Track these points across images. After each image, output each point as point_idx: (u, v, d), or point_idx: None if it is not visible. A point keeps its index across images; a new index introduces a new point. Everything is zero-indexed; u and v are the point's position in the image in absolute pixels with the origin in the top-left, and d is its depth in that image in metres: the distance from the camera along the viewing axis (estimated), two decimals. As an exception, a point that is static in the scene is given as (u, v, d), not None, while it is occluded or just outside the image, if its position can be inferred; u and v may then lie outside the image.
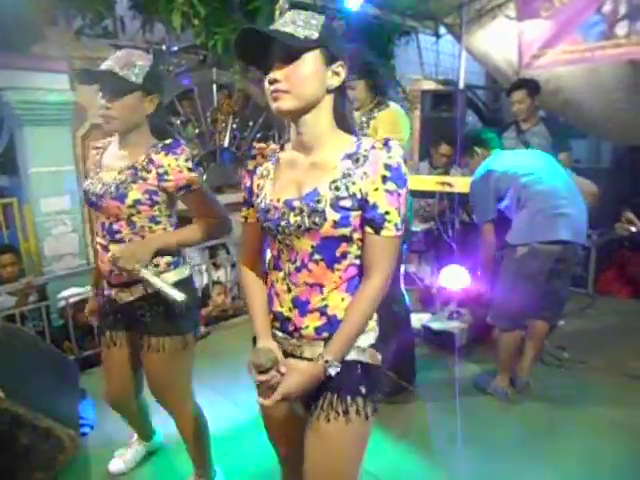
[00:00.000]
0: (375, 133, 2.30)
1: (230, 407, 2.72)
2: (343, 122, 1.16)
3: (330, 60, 1.10)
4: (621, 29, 3.90)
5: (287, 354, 1.20)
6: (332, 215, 1.08)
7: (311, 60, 1.07)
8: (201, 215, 1.68)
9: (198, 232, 1.67)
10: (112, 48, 3.77)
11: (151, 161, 1.58)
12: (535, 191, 2.45)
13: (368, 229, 1.12)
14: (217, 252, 4.22)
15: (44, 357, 2.35)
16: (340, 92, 1.14)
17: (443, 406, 2.61)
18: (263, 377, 1.14)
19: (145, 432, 2.23)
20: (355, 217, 1.10)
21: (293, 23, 1.08)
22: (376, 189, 1.09)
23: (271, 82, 1.09)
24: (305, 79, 1.07)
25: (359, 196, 1.09)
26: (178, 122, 4.34)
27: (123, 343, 1.81)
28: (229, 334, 3.77)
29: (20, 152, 3.58)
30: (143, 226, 1.64)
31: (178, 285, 1.63)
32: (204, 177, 4.51)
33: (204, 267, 4.05)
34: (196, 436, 1.90)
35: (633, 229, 4.00)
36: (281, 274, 1.20)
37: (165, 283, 1.57)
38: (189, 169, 1.59)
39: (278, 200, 1.15)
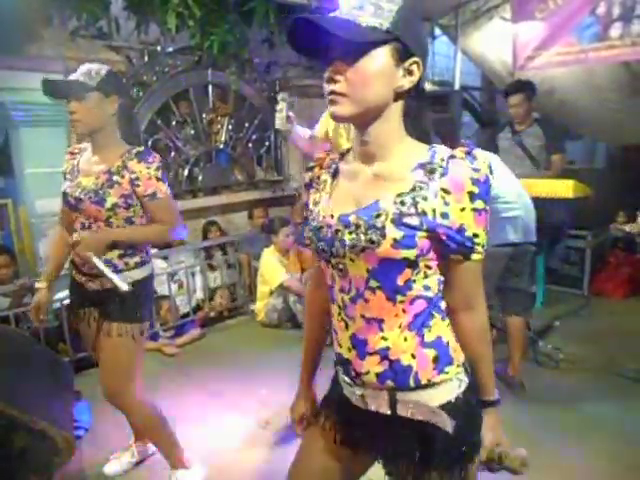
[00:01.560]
0: None
1: (224, 408, 2.71)
2: (416, 127, 0.97)
3: (403, 56, 0.89)
4: (615, 31, 3.92)
5: (353, 406, 1.06)
6: (393, 232, 0.89)
7: (378, 57, 0.88)
8: (157, 220, 1.81)
9: (150, 233, 1.83)
10: (107, 49, 3.78)
11: (125, 167, 1.74)
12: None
13: (456, 256, 0.95)
14: (213, 253, 4.21)
15: (39, 359, 2.34)
16: (415, 96, 0.95)
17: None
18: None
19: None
20: (421, 238, 0.90)
21: (360, 8, 0.88)
22: (462, 209, 0.90)
23: (328, 81, 0.91)
24: (368, 81, 0.88)
25: (430, 216, 0.90)
26: (174, 123, 4.34)
27: (90, 317, 1.92)
28: (225, 335, 3.77)
29: (15, 153, 3.57)
30: (119, 226, 1.78)
31: (143, 281, 1.86)
32: (199, 177, 4.51)
33: (198, 268, 4.04)
34: (147, 429, 2.03)
35: (627, 229, 4.02)
36: (336, 307, 1.03)
37: (112, 272, 1.72)
38: (158, 178, 1.75)
39: (332, 216, 0.98)
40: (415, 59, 0.91)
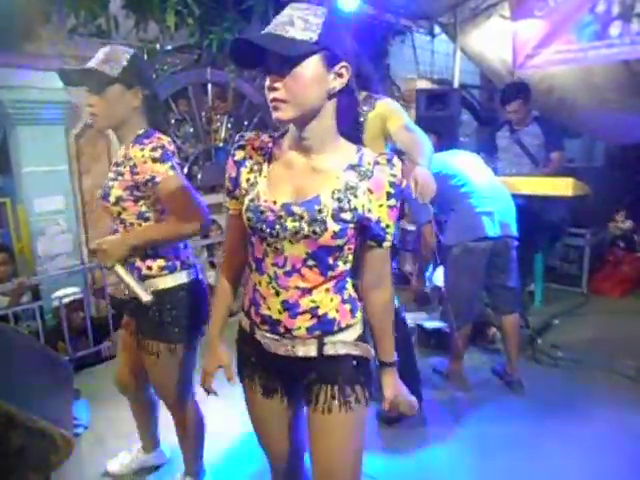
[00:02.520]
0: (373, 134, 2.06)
1: (223, 406, 2.71)
2: (347, 127, 1.12)
3: (332, 62, 1.02)
4: (614, 29, 3.92)
5: (278, 356, 1.22)
6: (333, 226, 1.08)
7: (310, 66, 1.00)
8: (172, 211, 1.56)
9: (164, 231, 1.58)
10: (106, 46, 3.76)
11: (127, 155, 1.56)
12: (460, 193, 2.59)
13: (371, 243, 1.17)
14: (215, 251, 4.21)
15: (38, 357, 2.33)
16: (346, 95, 1.08)
17: (437, 404, 2.62)
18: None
19: (148, 435, 2.17)
20: (351, 229, 1.11)
21: (290, 24, 0.99)
22: (380, 205, 1.12)
23: (269, 90, 1.04)
24: (304, 87, 1.01)
25: (360, 211, 1.10)
26: (173, 121, 4.33)
27: (130, 327, 1.82)
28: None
29: (13, 151, 3.55)
30: (132, 223, 1.61)
31: (171, 291, 1.63)
32: (199, 176, 4.51)
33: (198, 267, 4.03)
34: (188, 436, 1.90)
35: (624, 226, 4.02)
36: (265, 277, 1.17)
37: (135, 282, 1.55)
38: (154, 159, 1.49)
39: (275, 202, 1.11)
40: (343, 64, 1.04)
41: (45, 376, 2.27)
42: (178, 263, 1.67)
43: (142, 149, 1.51)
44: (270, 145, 1.19)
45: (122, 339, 1.93)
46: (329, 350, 1.20)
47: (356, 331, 1.24)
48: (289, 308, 1.16)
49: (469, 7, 4.72)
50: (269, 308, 1.18)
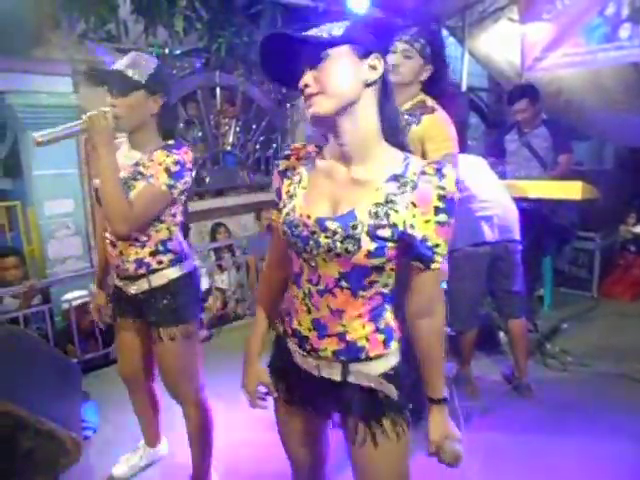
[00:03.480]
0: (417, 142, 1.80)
1: (229, 410, 2.71)
2: (391, 130, 1.05)
3: (363, 53, 0.99)
4: (624, 32, 3.90)
5: (303, 372, 1.17)
6: (368, 244, 0.98)
7: (340, 56, 0.98)
8: (135, 202, 1.61)
9: (116, 198, 1.57)
10: (115, 52, 3.80)
11: (151, 158, 1.65)
12: (461, 198, 2.51)
13: (417, 264, 1.04)
14: (222, 254, 4.22)
15: (47, 360, 2.35)
16: (382, 91, 1.03)
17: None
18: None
19: (151, 431, 2.21)
20: (391, 248, 0.99)
21: (319, 29, 1.01)
22: (427, 221, 0.99)
23: (302, 90, 1.00)
24: (335, 74, 0.98)
25: (401, 228, 0.98)
26: (182, 125, 4.35)
27: (132, 329, 1.92)
28: (232, 337, 3.76)
29: (24, 155, 3.59)
30: (148, 224, 1.69)
31: (180, 279, 1.77)
32: (207, 179, 4.53)
33: (204, 270, 4.04)
34: (200, 429, 1.94)
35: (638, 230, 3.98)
36: (301, 292, 1.11)
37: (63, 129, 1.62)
38: (166, 168, 1.61)
39: (309, 216, 1.04)
40: (376, 55, 1.00)
41: (54, 379, 2.29)
42: (183, 255, 1.80)
43: (168, 155, 1.62)
44: (314, 155, 1.12)
45: (120, 340, 1.98)
46: (352, 379, 1.12)
47: (388, 362, 1.13)
48: (318, 328, 1.10)
49: (477, 10, 4.71)
50: (300, 323, 1.14)
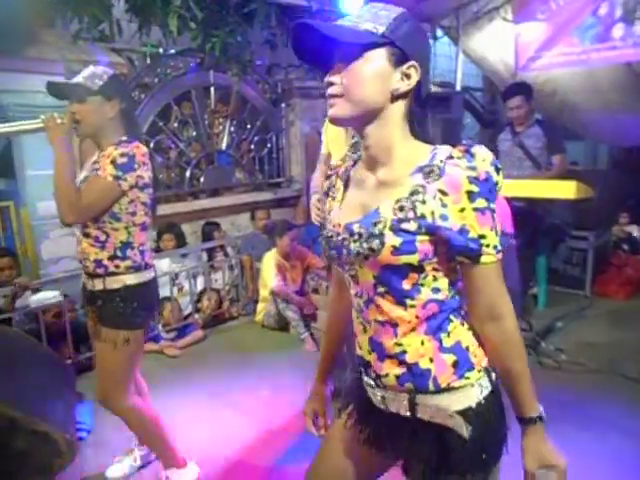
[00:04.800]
0: None
1: (225, 410, 2.71)
2: (419, 129, 0.97)
3: (400, 60, 0.90)
4: (617, 32, 3.92)
5: (375, 406, 1.06)
6: (392, 240, 0.89)
7: (373, 59, 0.89)
8: (84, 193, 1.69)
9: (65, 190, 1.67)
10: (109, 51, 3.78)
11: (103, 154, 1.73)
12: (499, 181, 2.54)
13: (463, 259, 0.92)
14: (215, 254, 4.21)
15: (41, 361, 2.34)
16: (414, 99, 0.95)
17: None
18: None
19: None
20: (422, 242, 0.89)
21: (358, 17, 0.91)
22: (462, 209, 0.87)
23: (327, 86, 0.93)
24: (362, 80, 0.89)
25: (429, 219, 0.88)
26: (176, 124, 4.34)
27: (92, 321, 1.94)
28: (227, 337, 3.77)
29: (17, 155, 3.57)
30: (105, 221, 1.74)
31: (137, 287, 1.80)
32: (201, 179, 4.52)
33: (200, 270, 4.04)
34: (141, 432, 2.02)
35: (635, 233, 4.00)
36: (355, 311, 1.05)
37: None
38: (113, 161, 1.67)
39: (340, 225, 0.99)
40: (412, 63, 0.91)
41: (48, 380, 2.28)
42: (143, 264, 1.84)
43: (115, 149, 1.71)
44: (349, 167, 1.07)
45: (92, 334, 2.00)
46: (422, 413, 0.98)
47: (467, 398, 0.96)
48: (375, 348, 1.00)
49: (471, 10, 4.72)
50: (360, 347, 1.05)
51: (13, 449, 1.86)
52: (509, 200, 2.77)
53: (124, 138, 1.77)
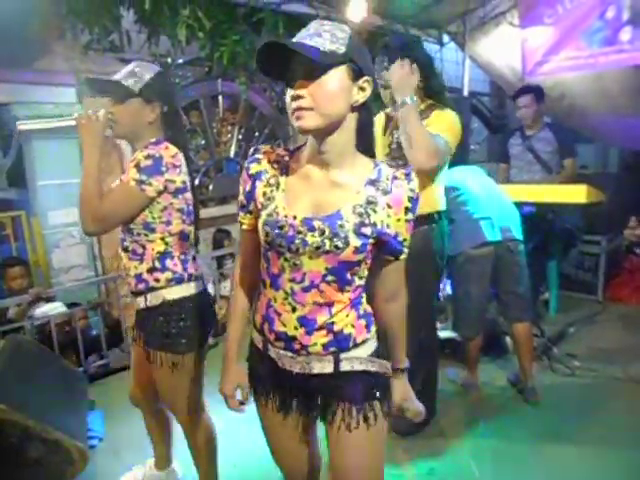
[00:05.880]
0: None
1: (234, 416, 2.70)
2: (365, 142, 1.13)
3: (357, 75, 1.04)
4: (625, 35, 3.90)
5: (293, 373, 1.20)
6: (355, 241, 1.08)
7: (337, 76, 1.01)
8: (109, 196, 1.57)
9: (90, 189, 1.55)
10: (119, 61, 3.83)
11: (132, 159, 1.59)
12: (457, 202, 2.57)
13: (388, 257, 1.18)
14: (224, 262, 4.22)
15: (53, 369, 2.36)
16: (365, 109, 1.09)
17: (451, 415, 2.59)
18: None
19: (162, 451, 2.14)
20: (370, 244, 1.11)
21: (318, 35, 1.01)
22: (398, 220, 1.11)
23: (294, 99, 1.02)
24: (331, 96, 1.01)
25: (379, 226, 1.10)
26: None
27: (138, 345, 1.80)
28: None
29: (28, 165, 3.62)
30: (139, 233, 1.62)
31: (179, 302, 1.65)
32: (210, 187, 4.54)
33: (211, 279, 4.04)
34: (199, 449, 1.87)
35: None
36: (281, 293, 1.16)
37: None
38: (137, 164, 1.52)
39: (295, 217, 1.10)
40: (367, 78, 1.06)
41: (61, 388, 2.29)
42: (185, 275, 1.68)
43: (141, 152, 1.55)
44: (287, 159, 1.17)
45: (135, 353, 1.91)
46: (345, 366, 1.18)
47: (371, 346, 1.23)
48: (305, 324, 1.15)
49: (478, 16, 4.72)
50: (284, 325, 1.17)
51: (26, 457, 1.87)
52: (521, 205, 2.75)
53: (153, 140, 1.62)
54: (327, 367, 1.18)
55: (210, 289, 4.03)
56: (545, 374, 2.96)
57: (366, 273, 1.19)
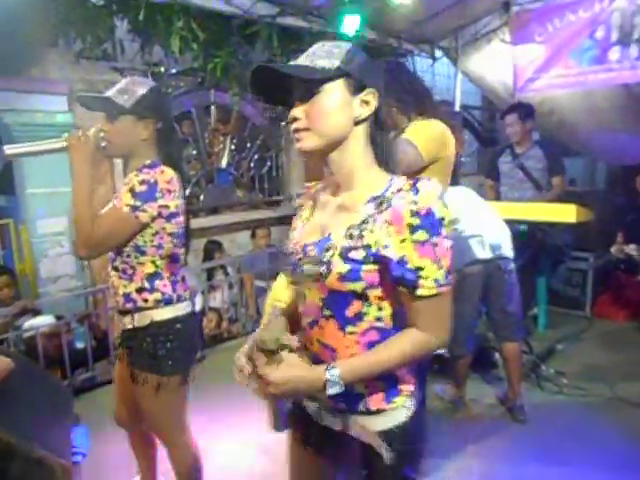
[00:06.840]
0: None
1: (222, 431, 2.68)
2: (380, 156, 1.02)
3: (357, 88, 0.97)
4: (614, 54, 3.97)
5: (312, 419, 1.13)
6: (339, 267, 0.93)
7: (333, 91, 0.95)
8: (102, 220, 1.52)
9: (82, 215, 1.50)
10: (112, 70, 3.81)
11: (125, 181, 1.54)
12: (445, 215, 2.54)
13: (401, 289, 0.94)
14: (215, 273, 4.20)
15: (37, 382, 2.31)
16: (376, 123, 1.00)
17: (438, 432, 2.59)
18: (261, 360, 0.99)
19: (146, 470, 2.10)
20: (368, 272, 0.93)
21: (313, 54, 0.97)
22: (402, 240, 0.90)
23: (291, 121, 0.99)
24: (326, 113, 0.95)
25: (374, 249, 0.92)
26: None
27: (123, 363, 1.76)
28: (225, 357, 3.72)
29: (17, 173, 3.58)
30: (129, 255, 1.58)
31: (167, 323, 1.61)
32: (201, 197, 4.52)
33: (199, 289, 4.02)
34: (183, 473, 1.82)
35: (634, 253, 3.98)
36: (301, 328, 1.10)
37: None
38: (131, 189, 1.48)
39: (298, 244, 1.06)
40: (370, 90, 0.97)
41: (45, 402, 2.24)
42: (175, 296, 1.64)
43: (136, 175, 1.51)
44: (320, 190, 1.12)
45: (117, 372, 1.86)
46: (353, 431, 1.06)
47: (392, 419, 1.03)
48: (316, 364, 1.03)
49: (470, 32, 4.78)
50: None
51: (9, 476, 1.83)
52: (511, 222, 2.77)
53: (148, 162, 1.56)
54: (336, 423, 1.08)
55: (199, 300, 4.00)
56: (533, 391, 2.97)
57: (384, 315, 0.98)
